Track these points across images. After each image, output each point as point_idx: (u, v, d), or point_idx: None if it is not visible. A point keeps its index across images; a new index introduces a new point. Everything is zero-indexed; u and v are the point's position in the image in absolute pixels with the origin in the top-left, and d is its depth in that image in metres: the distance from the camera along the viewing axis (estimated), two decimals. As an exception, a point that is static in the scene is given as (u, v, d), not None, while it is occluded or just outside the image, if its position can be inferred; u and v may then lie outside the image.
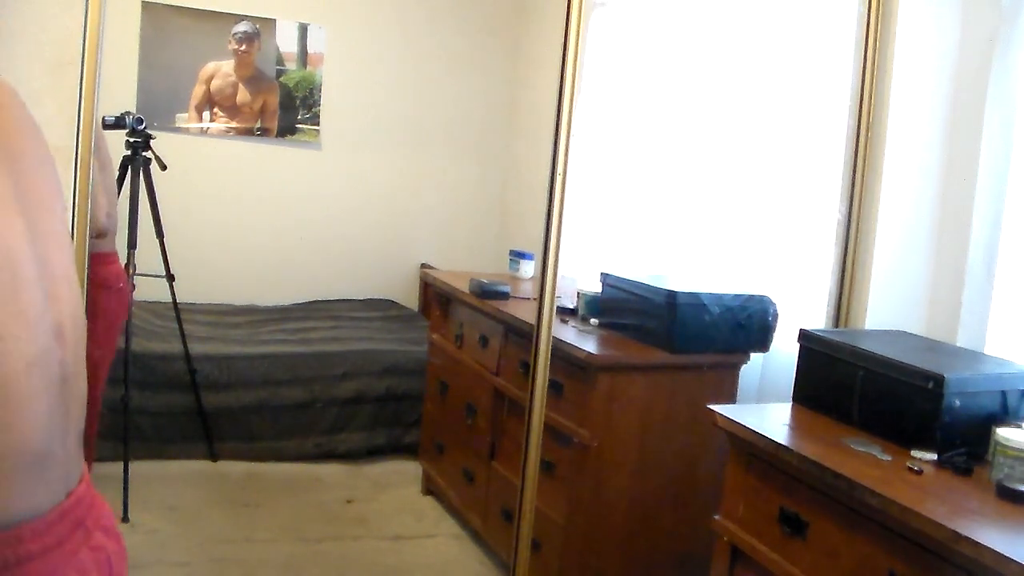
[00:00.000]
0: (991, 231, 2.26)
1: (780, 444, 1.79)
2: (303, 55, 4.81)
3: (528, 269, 3.66)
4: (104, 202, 2.72)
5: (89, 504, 0.88)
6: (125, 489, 3.11)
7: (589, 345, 2.53)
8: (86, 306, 1.83)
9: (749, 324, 2.57)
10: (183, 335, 3.60)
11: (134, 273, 3.20)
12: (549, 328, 2.24)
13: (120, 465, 3.15)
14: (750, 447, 1.89)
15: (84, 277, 1.84)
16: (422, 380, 3.77)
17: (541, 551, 2.56)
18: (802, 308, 2.69)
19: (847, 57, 2.51)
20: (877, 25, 2.38)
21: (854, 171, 2.43)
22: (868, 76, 2.40)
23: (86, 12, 1.69)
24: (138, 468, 3.38)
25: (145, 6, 4.47)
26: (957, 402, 1.77)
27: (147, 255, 3.37)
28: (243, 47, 4.68)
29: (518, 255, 3.73)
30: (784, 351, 2.58)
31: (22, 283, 0.79)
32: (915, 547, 1.48)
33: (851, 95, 2.45)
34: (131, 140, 3.28)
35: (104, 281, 2.70)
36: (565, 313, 2.92)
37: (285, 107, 4.81)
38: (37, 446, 0.79)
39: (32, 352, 0.78)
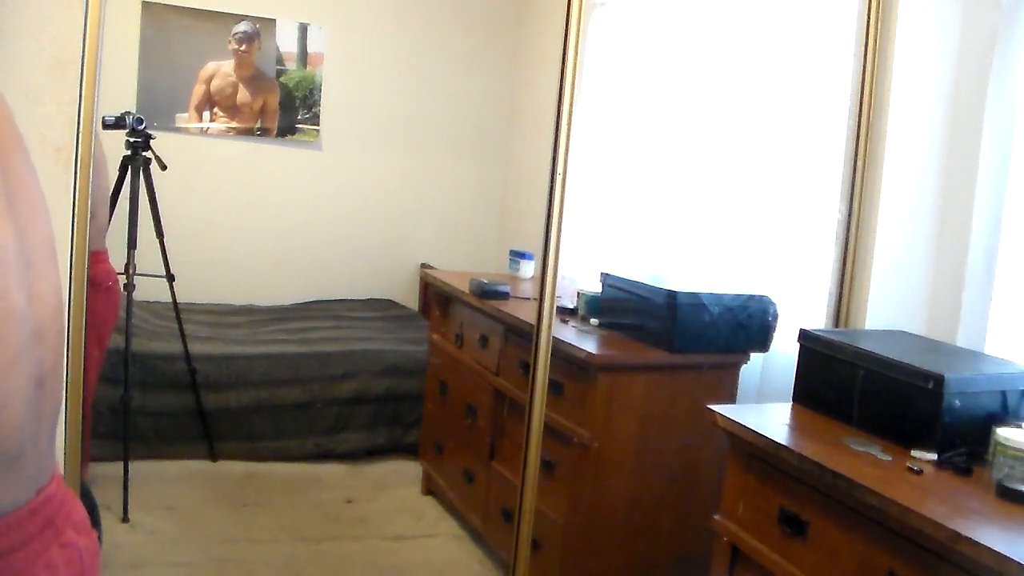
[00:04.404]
0: (991, 231, 2.26)
1: (780, 444, 1.79)
2: (303, 55, 4.81)
3: (528, 269, 3.66)
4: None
5: (60, 502, 0.89)
6: (125, 489, 3.11)
7: (589, 345, 2.53)
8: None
9: (749, 324, 2.57)
10: (183, 335, 3.60)
11: (134, 273, 3.20)
12: (549, 328, 2.24)
13: (120, 465, 3.15)
14: (750, 447, 1.89)
15: (84, 278, 1.84)
16: (422, 380, 3.77)
17: (541, 551, 2.56)
18: (802, 308, 2.69)
19: (847, 57, 2.51)
20: (877, 25, 2.38)
21: (854, 171, 2.43)
22: (868, 76, 2.40)
23: (86, 12, 1.69)
24: (138, 468, 3.38)
25: (145, 6, 4.47)
26: (957, 402, 1.77)
27: (147, 255, 3.37)
28: (243, 47, 4.68)
29: (518, 255, 3.73)
30: (784, 351, 2.58)
31: (9, 281, 0.79)
32: (915, 547, 1.48)
33: (851, 95, 2.45)
34: (131, 140, 3.28)
35: (92, 280, 2.70)
36: (565, 313, 2.92)
37: (285, 107, 4.81)
38: (10, 446, 0.79)
39: (12, 351, 0.78)
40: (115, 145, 3.26)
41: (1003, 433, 1.62)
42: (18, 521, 0.81)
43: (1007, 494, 1.55)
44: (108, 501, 3.13)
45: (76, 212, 1.75)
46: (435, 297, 3.62)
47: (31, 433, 0.82)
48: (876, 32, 2.38)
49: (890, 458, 1.73)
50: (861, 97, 2.41)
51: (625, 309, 2.71)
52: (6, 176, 0.84)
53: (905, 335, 2.30)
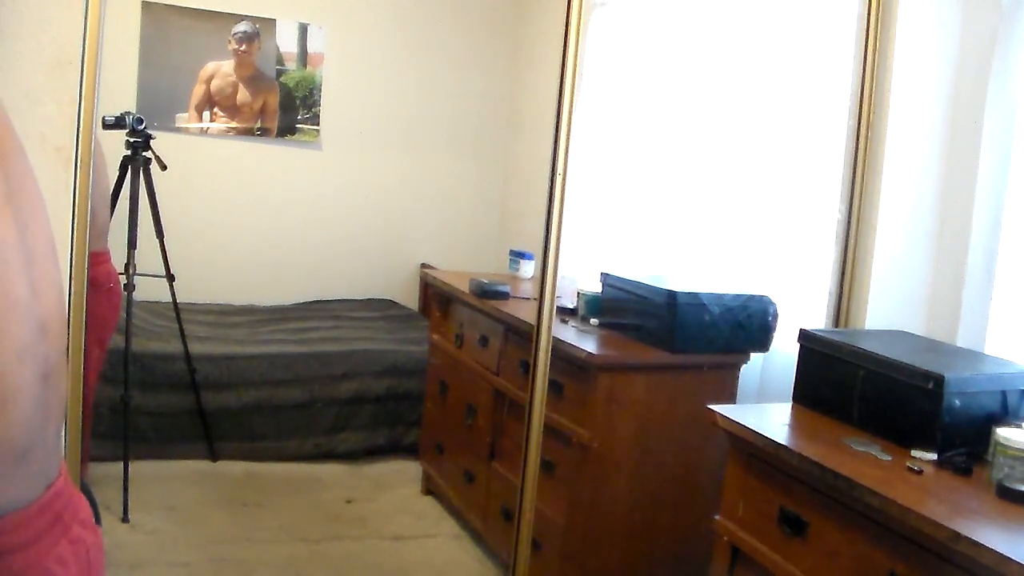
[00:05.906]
0: (991, 231, 2.26)
1: (780, 444, 1.79)
2: (303, 55, 4.81)
3: (528, 269, 3.66)
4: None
5: (67, 498, 0.90)
6: (125, 489, 3.12)
7: (589, 345, 2.53)
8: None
9: (749, 324, 2.57)
10: (183, 335, 3.60)
11: (134, 273, 3.20)
12: (549, 328, 2.24)
13: (120, 465, 3.15)
14: (750, 447, 1.89)
15: (84, 278, 1.84)
16: (422, 380, 3.77)
17: (541, 551, 2.56)
18: (802, 308, 2.69)
19: (847, 57, 2.51)
20: (877, 25, 2.38)
21: (854, 171, 2.43)
22: (868, 76, 2.40)
23: (86, 12, 1.69)
24: (138, 468, 3.38)
25: (145, 6, 4.47)
26: (957, 402, 1.77)
27: (147, 255, 3.37)
28: (243, 47, 4.68)
29: (518, 255, 3.73)
30: (784, 351, 2.58)
31: (13, 276, 0.80)
32: (915, 547, 1.48)
33: (851, 95, 2.45)
34: (131, 140, 3.28)
35: (94, 280, 2.70)
36: (565, 313, 2.92)
37: (285, 107, 4.81)
38: (20, 440, 0.80)
39: (19, 345, 0.79)
40: (115, 145, 3.26)
41: (1003, 433, 1.62)
42: (28, 517, 0.82)
43: (1007, 494, 1.55)
44: (108, 501, 3.13)
45: (76, 212, 1.75)
46: (435, 297, 3.62)
47: (39, 428, 0.83)
48: (876, 32, 2.38)
49: (890, 458, 1.73)
50: (861, 97, 2.41)
51: (625, 309, 2.71)
52: (6, 174, 0.85)
53: (905, 335, 2.30)
